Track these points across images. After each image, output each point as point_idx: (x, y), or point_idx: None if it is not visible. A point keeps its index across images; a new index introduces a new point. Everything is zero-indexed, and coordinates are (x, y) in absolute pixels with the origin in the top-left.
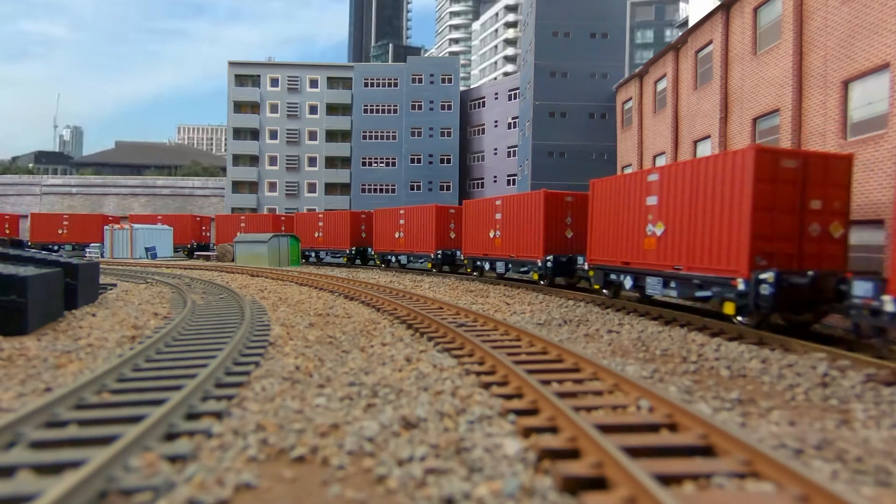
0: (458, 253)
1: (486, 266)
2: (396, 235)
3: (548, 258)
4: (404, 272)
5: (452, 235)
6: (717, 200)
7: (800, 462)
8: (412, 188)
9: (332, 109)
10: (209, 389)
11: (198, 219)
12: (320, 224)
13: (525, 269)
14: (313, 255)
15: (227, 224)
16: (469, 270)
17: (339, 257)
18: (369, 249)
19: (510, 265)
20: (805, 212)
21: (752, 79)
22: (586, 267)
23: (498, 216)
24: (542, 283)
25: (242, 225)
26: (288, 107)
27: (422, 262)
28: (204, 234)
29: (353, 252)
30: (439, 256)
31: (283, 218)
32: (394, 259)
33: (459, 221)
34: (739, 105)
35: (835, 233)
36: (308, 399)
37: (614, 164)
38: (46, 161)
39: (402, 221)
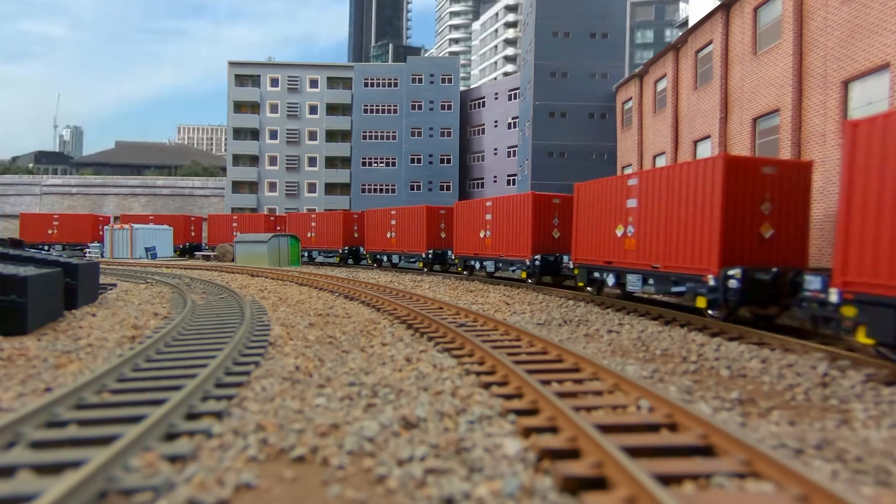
0: (566, 258)
1: (610, 279)
2: (481, 235)
3: (730, 273)
4: (407, 274)
5: (556, 235)
6: None
7: (800, 462)
8: (412, 188)
9: (332, 109)
10: (209, 389)
11: (272, 218)
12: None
13: (681, 288)
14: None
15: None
16: (581, 284)
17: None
18: (449, 251)
19: (651, 280)
20: None
21: (752, 79)
22: (834, 298)
23: (631, 203)
24: (711, 312)
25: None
26: (288, 107)
27: (514, 270)
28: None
29: (430, 256)
30: (537, 263)
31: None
32: (483, 266)
33: (566, 214)
34: (739, 105)
35: None
36: (308, 399)
37: (614, 164)
38: (46, 161)
39: (488, 217)
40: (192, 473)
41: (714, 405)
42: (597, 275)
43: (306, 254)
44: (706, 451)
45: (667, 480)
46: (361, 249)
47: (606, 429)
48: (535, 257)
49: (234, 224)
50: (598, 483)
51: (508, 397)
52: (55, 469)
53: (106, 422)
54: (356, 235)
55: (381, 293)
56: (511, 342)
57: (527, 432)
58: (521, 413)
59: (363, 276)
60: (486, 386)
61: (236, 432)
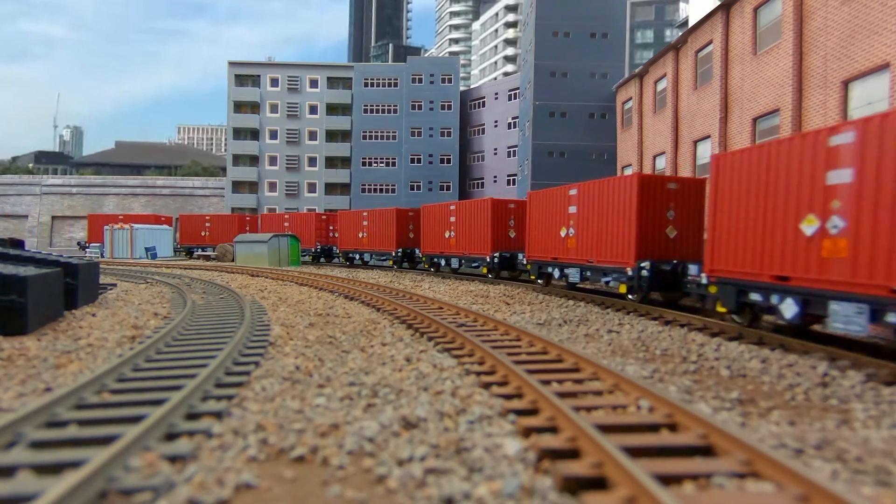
0: (693, 269)
1: (787, 308)
2: (562, 234)
3: None
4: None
5: (672, 234)
6: None
7: (800, 462)
8: (412, 188)
9: (332, 109)
10: (209, 389)
11: (324, 217)
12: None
13: None
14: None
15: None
16: (723, 310)
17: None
18: (520, 255)
19: (893, 316)
20: None
21: (752, 79)
22: None
23: (836, 177)
24: None
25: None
26: (288, 107)
27: (607, 282)
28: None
29: (496, 261)
30: (644, 274)
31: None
32: (564, 275)
33: (687, 205)
34: (739, 105)
35: None
36: (308, 399)
37: (614, 164)
38: (46, 161)
39: (572, 209)
40: (192, 473)
41: (714, 405)
42: (756, 297)
43: (358, 256)
44: (706, 451)
45: (667, 480)
46: (417, 251)
47: (606, 429)
48: (642, 265)
49: (286, 224)
50: (598, 483)
51: (508, 397)
52: (55, 469)
53: (106, 422)
54: (412, 236)
55: (381, 293)
56: (511, 342)
57: (527, 432)
58: (521, 413)
59: (363, 276)
60: (486, 386)
61: (236, 432)
